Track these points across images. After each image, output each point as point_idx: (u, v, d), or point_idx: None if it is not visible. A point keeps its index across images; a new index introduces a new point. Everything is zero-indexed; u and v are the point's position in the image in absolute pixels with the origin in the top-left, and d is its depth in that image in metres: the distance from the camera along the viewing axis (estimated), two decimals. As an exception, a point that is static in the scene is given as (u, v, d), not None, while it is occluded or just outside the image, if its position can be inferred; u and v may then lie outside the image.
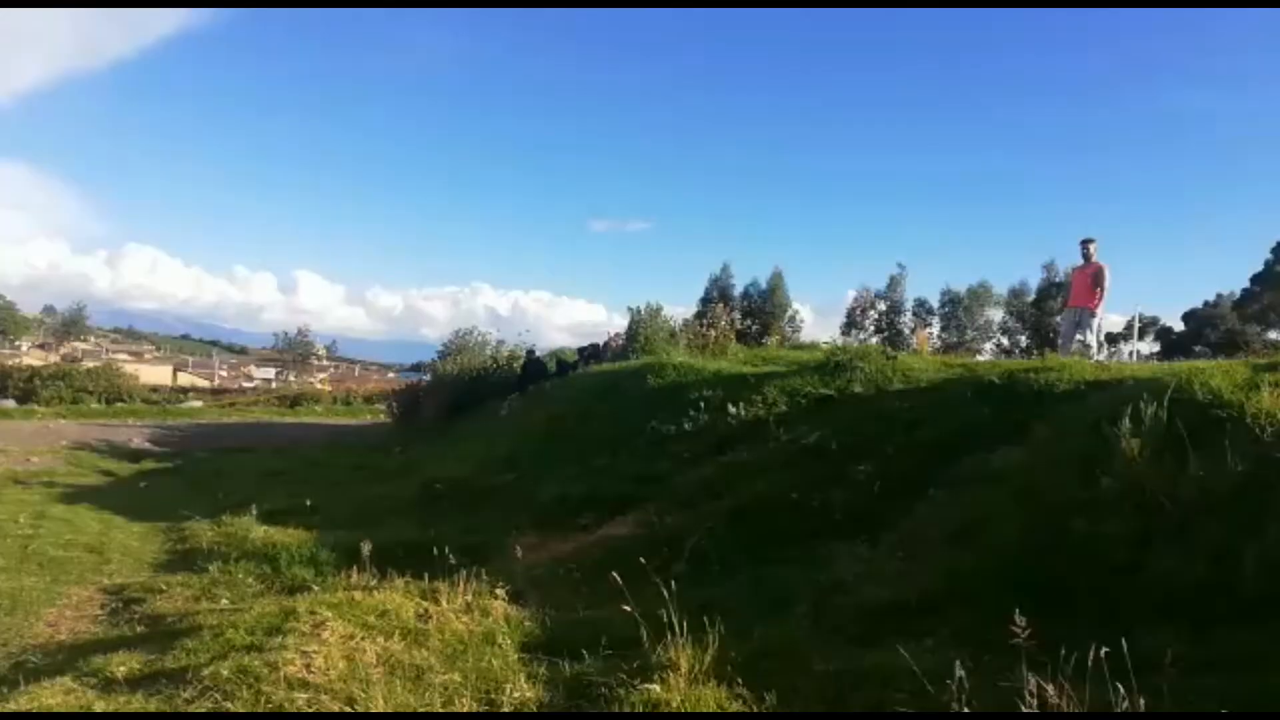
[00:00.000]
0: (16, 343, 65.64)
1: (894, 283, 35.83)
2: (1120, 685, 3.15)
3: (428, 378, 28.92)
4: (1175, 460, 5.22)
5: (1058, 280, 33.88)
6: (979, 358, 20.18)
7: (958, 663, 3.39)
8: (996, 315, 36.56)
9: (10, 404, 29.94)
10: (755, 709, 3.94)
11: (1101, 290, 11.28)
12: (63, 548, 9.28)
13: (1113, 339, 33.95)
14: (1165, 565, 4.62)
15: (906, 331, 34.10)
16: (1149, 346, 38.79)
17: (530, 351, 23.60)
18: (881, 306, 35.79)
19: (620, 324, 23.03)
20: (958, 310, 35.57)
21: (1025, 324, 35.76)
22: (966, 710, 3.35)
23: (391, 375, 61.79)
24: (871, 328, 35.17)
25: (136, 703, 4.17)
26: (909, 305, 36.36)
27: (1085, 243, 11.53)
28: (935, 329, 35.15)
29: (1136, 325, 32.06)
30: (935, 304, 36.38)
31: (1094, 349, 11.54)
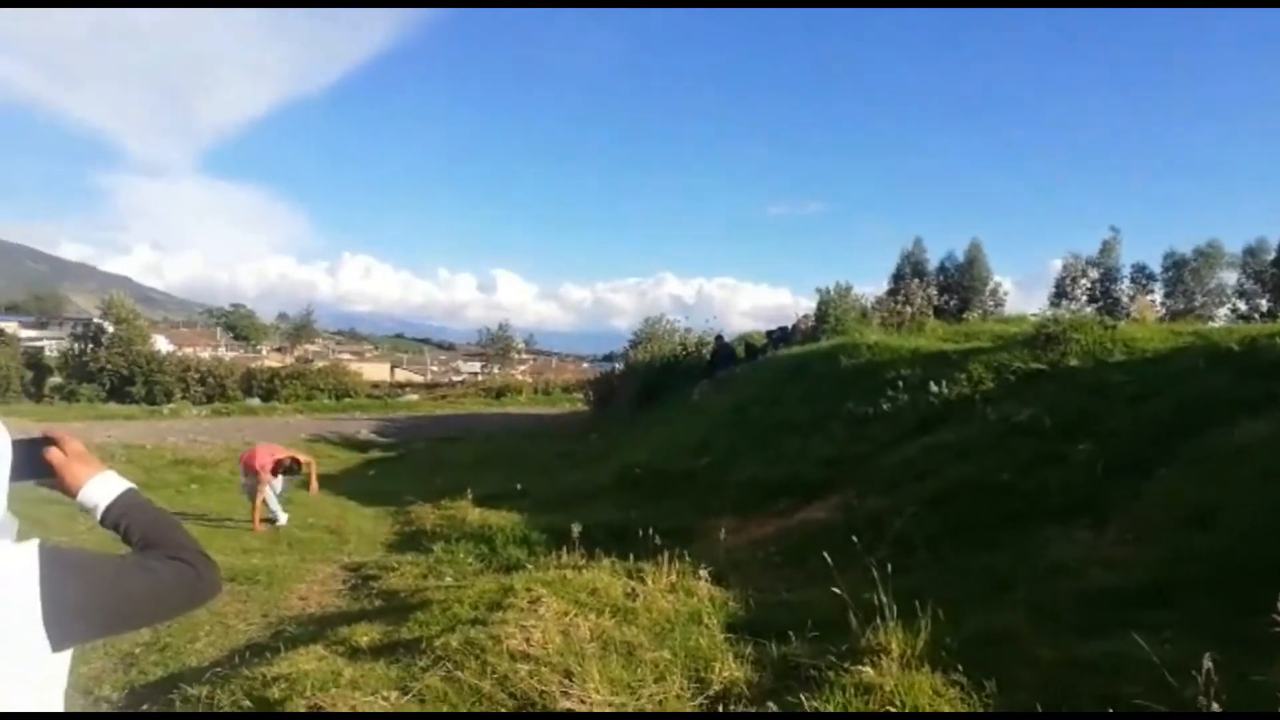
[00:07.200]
0: (258, 347, 72.59)
1: (1107, 248, 32.76)
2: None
3: (620, 367, 29.62)
4: None
5: (1305, 234, 29.99)
6: (1211, 325, 18.22)
7: (1207, 655, 3.10)
8: (1230, 278, 32.73)
9: (256, 402, 33.53)
10: (974, 696, 3.80)
11: None
12: (307, 529, 10.35)
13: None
14: None
15: (1125, 300, 31.20)
16: None
17: (719, 337, 23.64)
18: (1094, 274, 32.92)
19: (807, 306, 22.62)
20: (1183, 274, 32.16)
21: (1265, 286, 31.85)
22: (1217, 708, 3.06)
23: (585, 365, 63.83)
24: (1084, 298, 32.43)
25: (380, 670, 4.59)
26: (1126, 272, 33.22)
27: None
28: (1158, 296, 31.98)
29: None
30: (1157, 269, 33.10)
31: None
